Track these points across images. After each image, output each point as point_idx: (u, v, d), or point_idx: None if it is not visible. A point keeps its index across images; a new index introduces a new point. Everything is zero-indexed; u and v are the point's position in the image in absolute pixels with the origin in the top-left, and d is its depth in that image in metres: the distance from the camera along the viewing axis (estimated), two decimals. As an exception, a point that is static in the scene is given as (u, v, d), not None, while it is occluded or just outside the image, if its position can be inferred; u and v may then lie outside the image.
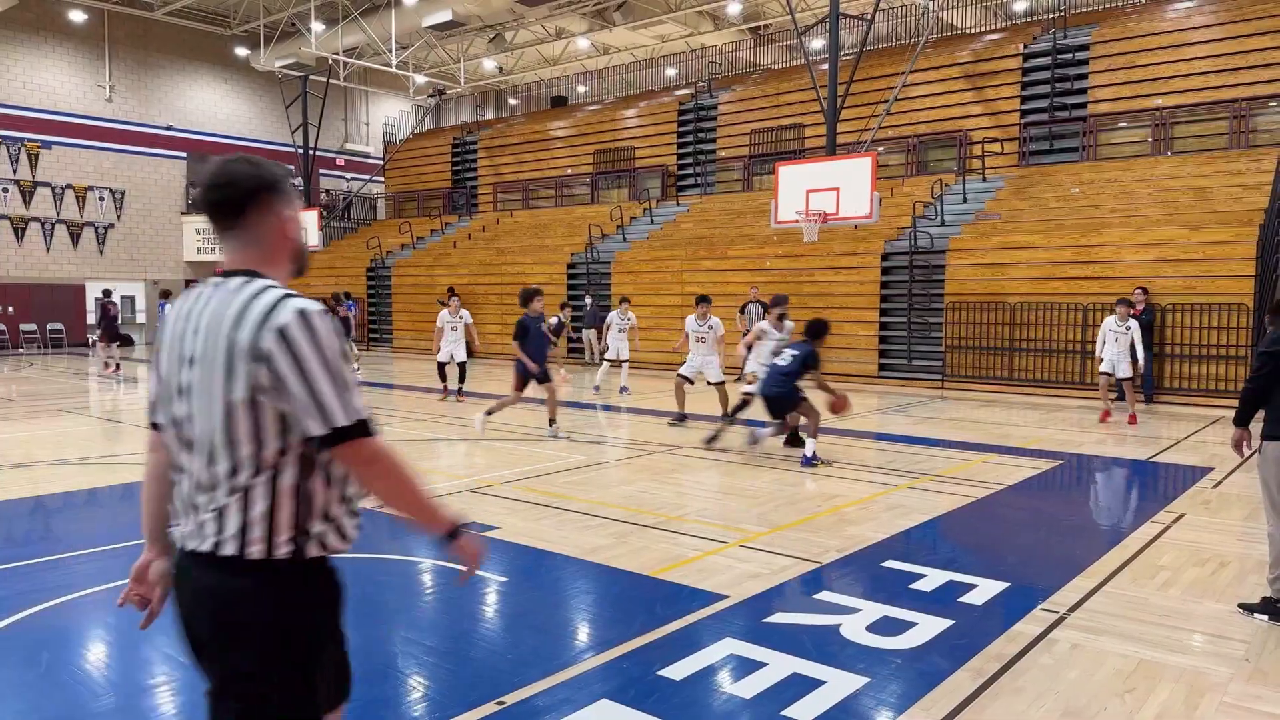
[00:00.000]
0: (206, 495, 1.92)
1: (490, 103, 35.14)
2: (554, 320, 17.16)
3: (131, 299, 28.02)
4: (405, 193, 32.70)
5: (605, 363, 16.02)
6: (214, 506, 1.91)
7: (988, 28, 23.84)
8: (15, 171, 25.89)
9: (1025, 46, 20.37)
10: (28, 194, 26.13)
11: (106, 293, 20.58)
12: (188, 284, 29.31)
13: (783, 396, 9.02)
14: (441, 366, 14.72)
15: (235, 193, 2.00)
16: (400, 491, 2.02)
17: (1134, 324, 11.89)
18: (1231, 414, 4.92)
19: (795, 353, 9.04)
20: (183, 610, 2.03)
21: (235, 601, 1.92)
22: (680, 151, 25.80)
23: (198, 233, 29.35)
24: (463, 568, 2.18)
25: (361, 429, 1.90)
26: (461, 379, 14.57)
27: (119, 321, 19.41)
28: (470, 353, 14.76)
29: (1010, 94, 20.33)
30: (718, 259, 19.78)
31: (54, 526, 6.77)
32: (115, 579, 5.23)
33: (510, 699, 3.71)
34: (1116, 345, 11.88)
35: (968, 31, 24.16)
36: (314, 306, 1.89)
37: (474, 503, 7.24)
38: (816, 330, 9.19)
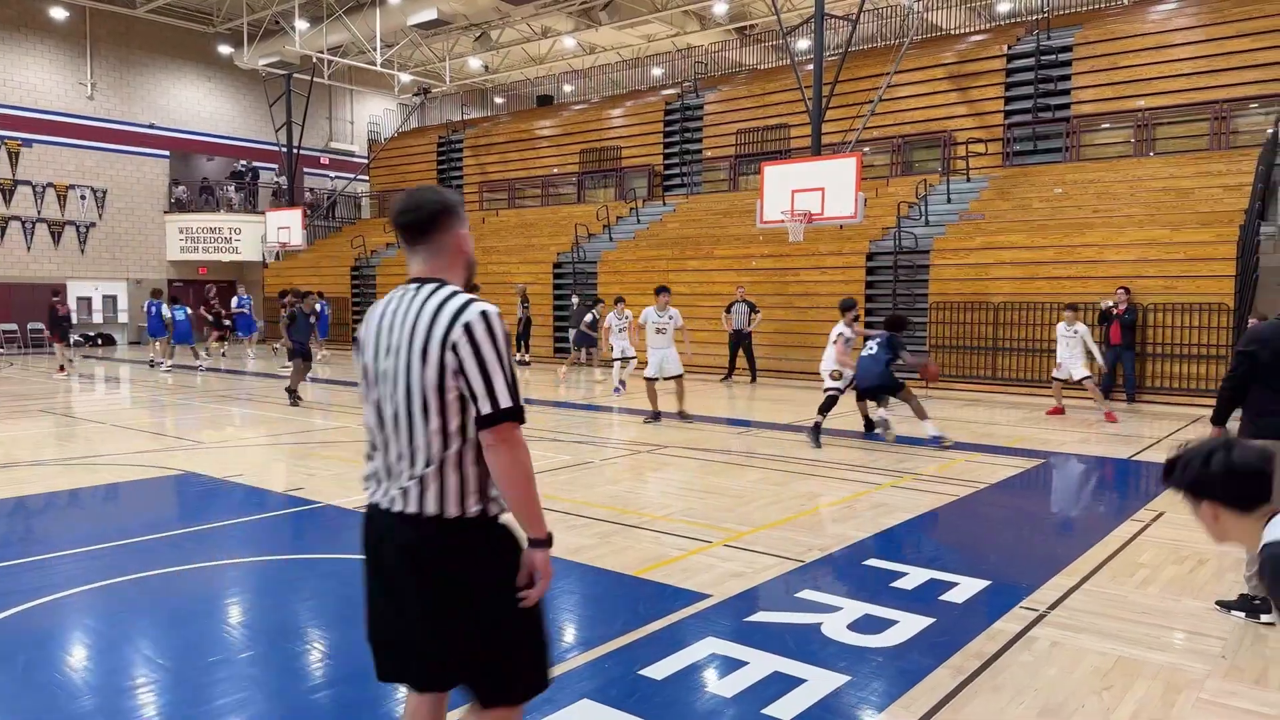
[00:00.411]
0: (407, 465, 2.33)
1: (476, 102, 35.05)
2: (589, 317, 16.93)
3: (114, 298, 27.75)
4: (390, 191, 32.57)
5: (616, 362, 15.87)
6: (414, 475, 2.31)
7: (972, 29, 23.96)
8: (-4, 169, 25.67)
9: (1009, 48, 20.48)
10: (8, 193, 25.89)
11: (55, 293, 20.66)
12: (171, 283, 29.14)
13: (883, 384, 10.15)
14: None
15: (423, 215, 2.42)
16: (521, 480, 2.32)
17: (1081, 327, 12.32)
18: (1211, 413, 4.96)
19: (879, 341, 10.18)
20: (385, 561, 2.40)
21: (438, 552, 2.31)
22: (666, 151, 25.80)
23: (180, 232, 29.18)
24: (530, 589, 2.37)
25: (513, 414, 2.28)
26: None
27: (70, 322, 19.46)
28: None
29: (994, 95, 20.43)
30: (704, 259, 19.80)
31: (35, 528, 6.70)
32: (95, 580, 5.19)
33: (491, 699, 3.70)
34: (1068, 349, 12.37)
35: (952, 32, 24.27)
36: (493, 310, 2.32)
37: (457, 503, 7.21)
38: (897, 324, 10.49)
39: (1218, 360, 13.63)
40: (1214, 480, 2.25)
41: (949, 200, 18.73)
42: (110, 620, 4.64)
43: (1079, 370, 12.33)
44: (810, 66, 17.82)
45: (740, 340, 17.02)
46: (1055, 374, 12.76)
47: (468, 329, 2.26)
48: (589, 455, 9.44)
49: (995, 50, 20.72)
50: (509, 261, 23.41)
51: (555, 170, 28.09)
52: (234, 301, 23.67)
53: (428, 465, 2.29)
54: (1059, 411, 12.79)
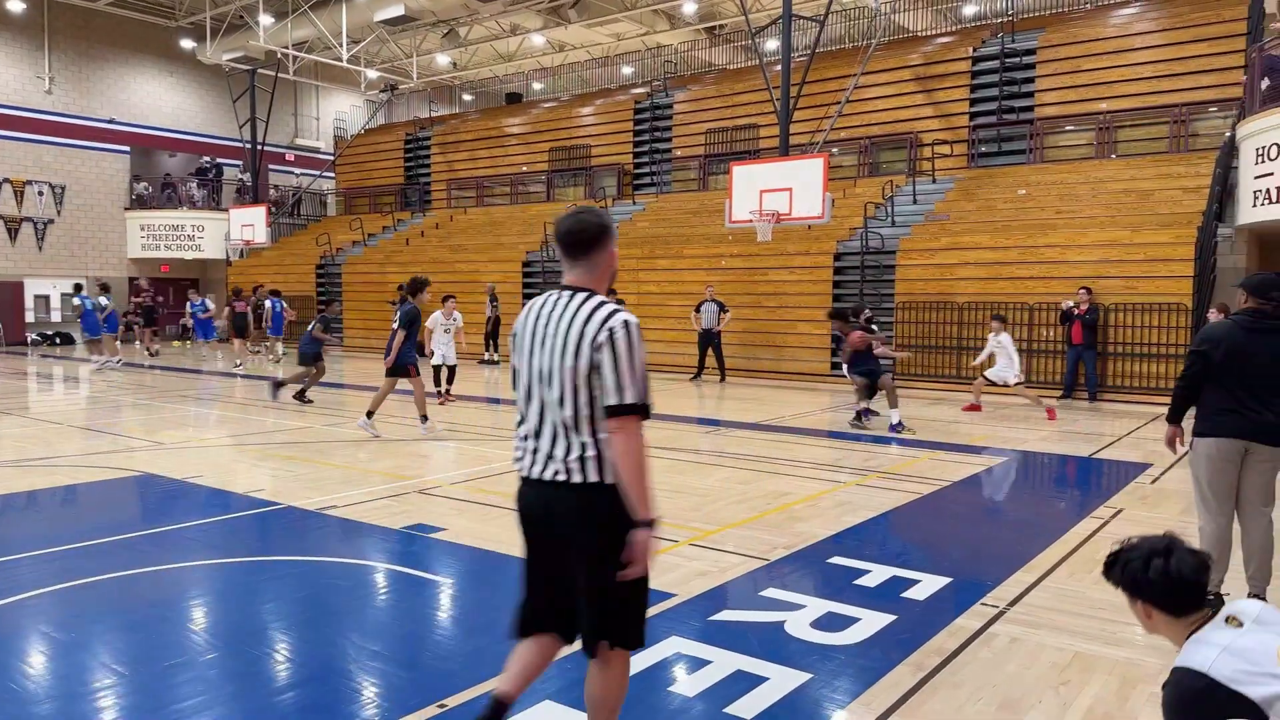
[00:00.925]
0: (562, 442, 2.78)
1: (444, 98, 34.81)
2: None
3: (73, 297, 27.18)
4: (356, 189, 32.27)
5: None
6: (570, 452, 2.77)
7: (938, 31, 24.20)
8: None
9: (974, 50, 20.72)
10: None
11: (141, 291, 20.48)
12: (142, 280, 28.64)
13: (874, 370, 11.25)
14: (436, 369, 13.96)
15: (587, 235, 2.86)
16: (635, 465, 2.72)
17: (1005, 337, 12.52)
18: (1167, 411, 5.04)
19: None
20: (543, 524, 2.87)
21: (591, 508, 2.77)
22: (636, 150, 25.80)
23: (142, 229, 28.69)
24: (632, 565, 2.78)
25: (636, 410, 2.71)
26: (450, 380, 14.04)
27: (157, 312, 19.89)
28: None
29: (960, 96, 20.67)
30: (674, 258, 19.82)
31: (-16, 531, 6.54)
32: (52, 584, 5.08)
33: (452, 701, 3.68)
34: (1000, 357, 12.53)
35: (918, 34, 24.51)
36: (634, 320, 2.77)
37: (421, 504, 7.17)
38: (838, 315, 11.93)
39: (1176, 359, 13.89)
40: (1150, 585, 2.39)
41: (915, 201, 18.91)
42: (67, 625, 4.55)
43: (1013, 377, 12.51)
44: (779, 67, 17.90)
45: (709, 339, 17.07)
46: (987, 373, 12.80)
47: (611, 334, 2.71)
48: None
49: (961, 52, 20.96)
50: (478, 260, 23.28)
51: (524, 168, 27.98)
52: (190, 305, 22.20)
53: (582, 444, 2.76)
54: (976, 408, 13.04)
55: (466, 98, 34.63)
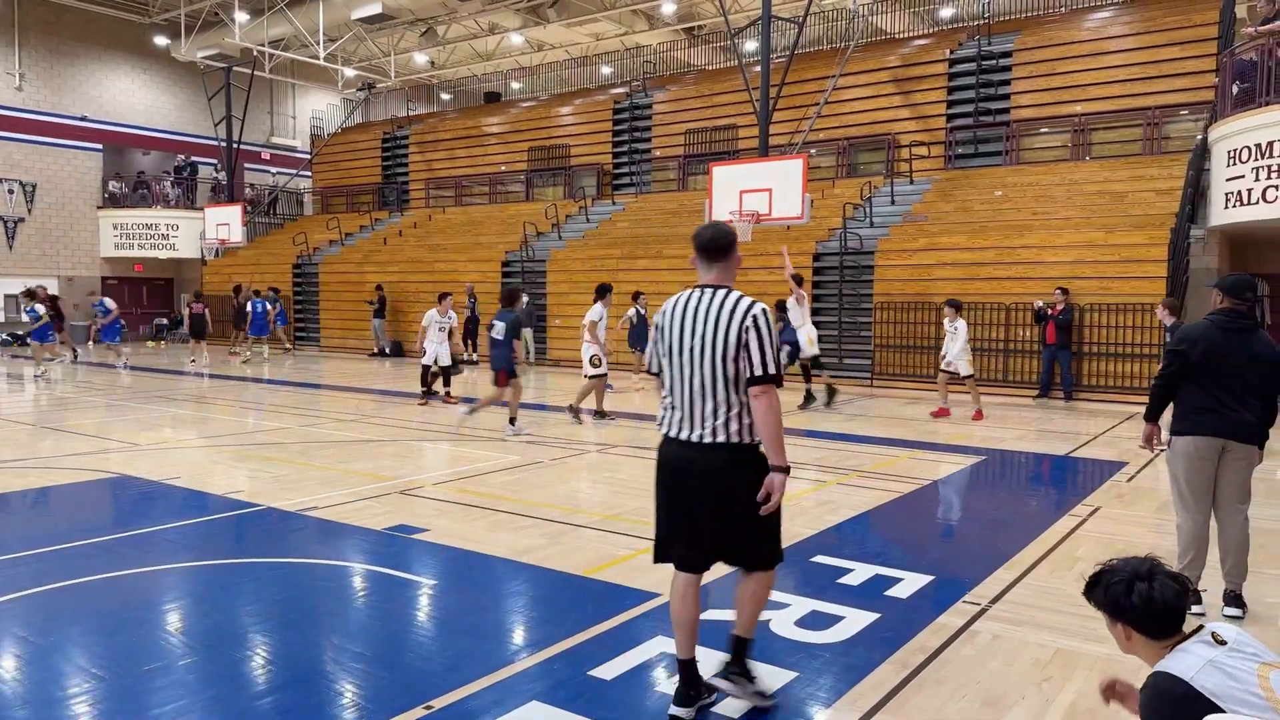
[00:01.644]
0: (713, 411, 3.44)
1: (422, 97, 34.61)
2: (632, 312, 16.08)
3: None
4: (334, 188, 32.03)
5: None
6: (719, 418, 3.43)
7: (915, 33, 24.38)
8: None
9: (951, 52, 20.89)
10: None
11: (197, 297, 21.17)
12: (105, 280, 28.29)
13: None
14: (425, 369, 13.77)
15: (724, 243, 3.59)
16: (772, 423, 3.41)
17: (960, 324, 12.18)
18: (1144, 410, 5.10)
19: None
20: (689, 478, 3.50)
21: (740, 466, 3.46)
22: (615, 150, 25.79)
23: (115, 228, 28.31)
24: (770, 498, 3.42)
25: (772, 379, 3.39)
26: (447, 381, 13.81)
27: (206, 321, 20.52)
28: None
29: (937, 98, 20.82)
30: (654, 258, 19.83)
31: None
32: (27, 587, 5.00)
33: (438, 703, 3.66)
34: (954, 344, 12.25)
35: (896, 36, 24.67)
36: (766, 307, 3.44)
37: (403, 505, 7.12)
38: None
39: (1150, 359, 14.07)
40: (1133, 609, 2.45)
41: (893, 202, 19.04)
42: (43, 629, 4.48)
43: (964, 367, 12.25)
44: (757, 68, 17.96)
45: None
46: (942, 367, 12.53)
47: (754, 319, 3.39)
48: (537, 455, 9.38)
49: (938, 54, 21.11)
50: (457, 260, 23.18)
51: (503, 168, 27.89)
52: (93, 306, 21.48)
53: (728, 411, 3.42)
54: (945, 413, 12.49)
55: (445, 97, 34.45)
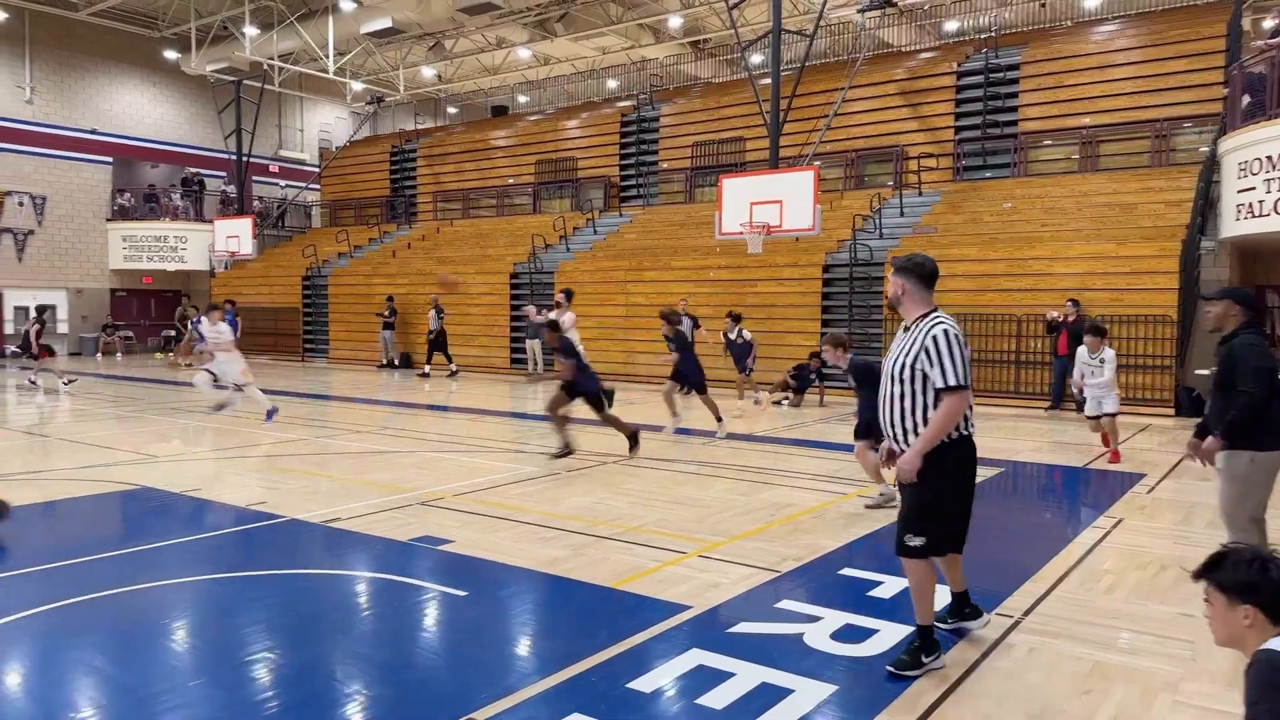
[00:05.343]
0: (909, 414, 4.09)
1: (430, 111, 34.76)
2: (688, 321, 15.58)
3: (53, 308, 26.84)
4: (342, 201, 32.12)
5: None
6: (914, 419, 4.07)
7: (921, 46, 24.48)
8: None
9: (959, 65, 20.97)
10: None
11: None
12: (114, 293, 28.38)
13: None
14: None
15: (934, 269, 4.21)
16: (942, 426, 3.96)
17: (1109, 354, 10.38)
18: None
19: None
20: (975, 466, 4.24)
21: (941, 456, 4.02)
22: (623, 163, 25.87)
23: (124, 240, 28.40)
24: (894, 472, 4.15)
25: (953, 389, 3.95)
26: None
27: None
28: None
29: (944, 111, 20.89)
30: (661, 270, 19.86)
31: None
32: (53, 600, 5.00)
33: (480, 715, 3.65)
34: (1099, 378, 10.37)
35: (903, 50, 24.77)
36: (951, 326, 4.04)
37: (425, 516, 7.12)
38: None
39: (1162, 371, 14.06)
40: (1268, 589, 2.35)
41: (902, 214, 19.07)
42: (65, 642, 4.48)
43: (1112, 403, 10.33)
44: (765, 81, 18.03)
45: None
46: (1092, 412, 10.13)
47: (934, 338, 3.98)
48: (554, 467, 9.38)
49: (945, 67, 21.19)
50: (465, 272, 23.21)
51: (511, 181, 27.97)
52: None
53: (925, 413, 4.05)
54: (1116, 458, 10.18)
55: (452, 110, 34.59)
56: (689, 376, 11.59)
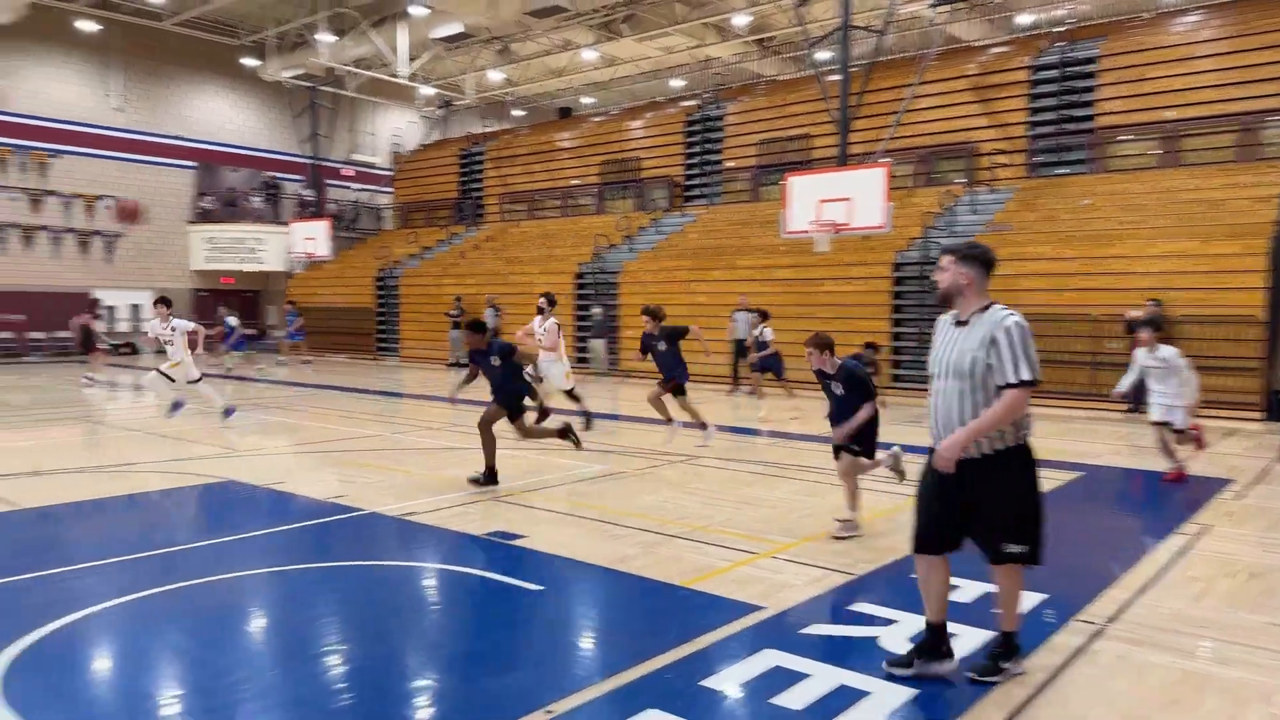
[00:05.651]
0: (972, 413, 3.84)
1: (497, 114, 35.23)
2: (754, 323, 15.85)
3: (139, 308, 27.96)
4: (413, 203, 32.79)
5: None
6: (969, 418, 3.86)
7: (994, 40, 23.95)
8: (25, 180, 26.00)
9: (1033, 59, 20.47)
10: (37, 202, 26.22)
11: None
12: (195, 293, 29.36)
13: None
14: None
15: (995, 259, 4.05)
16: (1000, 419, 3.77)
17: (1168, 352, 9.21)
18: (1258, 425, 4.93)
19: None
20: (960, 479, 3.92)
21: (1006, 462, 3.89)
22: (686, 162, 25.88)
23: (206, 242, 29.40)
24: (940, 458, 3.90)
25: (1026, 384, 3.74)
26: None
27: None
28: None
29: (1017, 106, 20.42)
30: (725, 269, 19.83)
31: (70, 536, 6.76)
32: (144, 589, 5.23)
33: (558, 707, 3.72)
34: (1168, 383, 9.37)
35: (973, 44, 24.27)
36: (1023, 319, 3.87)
37: (497, 511, 7.25)
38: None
39: (1248, 373, 13.54)
40: None
41: (974, 211, 18.71)
42: (155, 628, 4.69)
43: (1183, 417, 9.34)
44: (832, 78, 17.86)
45: (743, 351, 16.87)
46: (1160, 418, 9.00)
47: (1008, 330, 3.80)
48: (620, 465, 9.45)
49: (1018, 62, 20.71)
50: (530, 272, 23.50)
51: (575, 181, 28.20)
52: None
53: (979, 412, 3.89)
54: (1181, 478, 9.06)
55: (519, 113, 34.99)
56: (672, 372, 10.53)
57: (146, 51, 28.19)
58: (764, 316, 15.78)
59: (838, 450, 6.80)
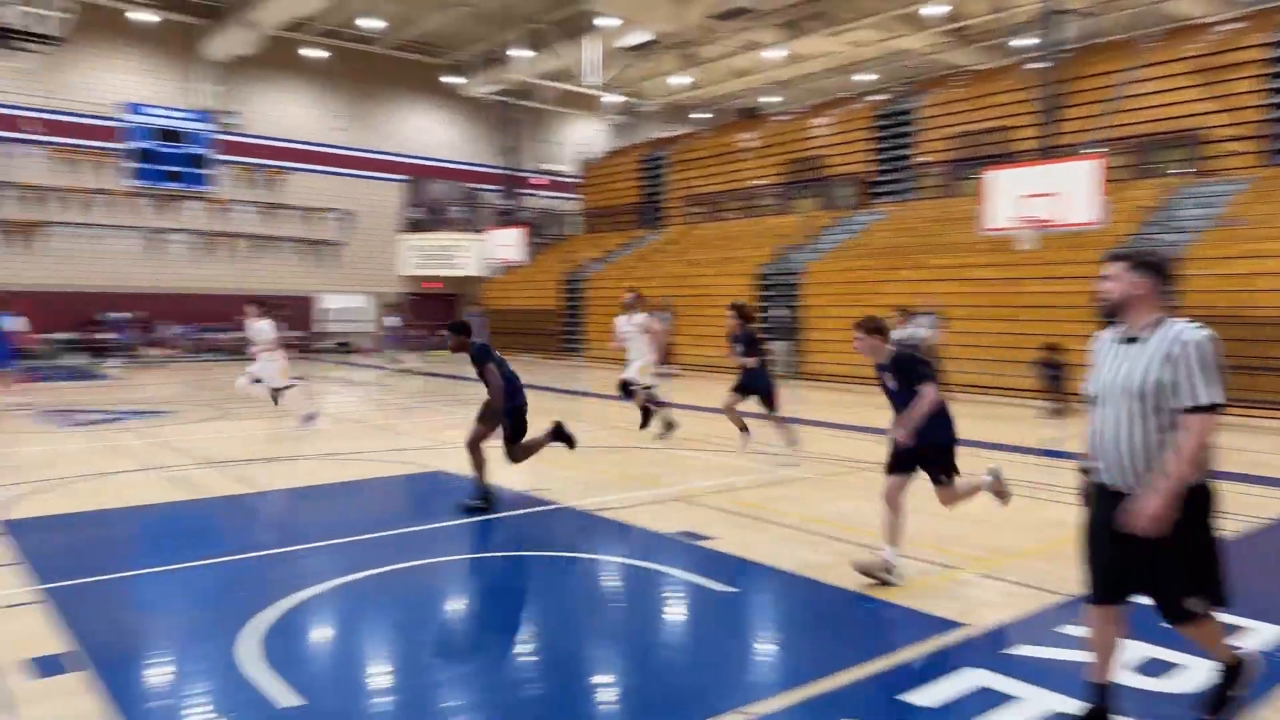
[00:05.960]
0: (1156, 444, 3.32)
1: (678, 117, 35.66)
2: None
3: (356, 310, 30.59)
4: (597, 209, 33.78)
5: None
6: (1159, 450, 3.31)
7: (1223, 18, 21.77)
8: (265, 195, 28.99)
9: (1270, 36, 18.44)
10: (270, 216, 29.11)
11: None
12: (410, 295, 31.56)
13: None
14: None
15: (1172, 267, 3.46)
16: (1196, 459, 3.21)
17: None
18: None
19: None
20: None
21: (1182, 505, 3.27)
22: (878, 158, 25.18)
23: (413, 250, 31.55)
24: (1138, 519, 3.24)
25: (1215, 409, 3.20)
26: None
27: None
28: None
29: (1251, 89, 18.46)
30: (915, 268, 19.13)
31: (312, 517, 7.45)
32: (373, 566, 5.69)
33: (755, 709, 3.74)
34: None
35: (1197, 22, 22.16)
36: (1204, 333, 3.26)
37: (687, 512, 7.36)
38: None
39: None
40: None
41: (1198, 205, 17.10)
42: (365, 610, 5.10)
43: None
44: (1035, 66, 16.84)
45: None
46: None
47: (1198, 344, 3.24)
48: (802, 471, 9.32)
49: (1253, 40, 18.73)
50: (709, 274, 23.63)
51: (758, 181, 28.09)
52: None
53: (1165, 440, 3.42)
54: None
55: (701, 115, 35.26)
56: (757, 385, 9.84)
57: (361, 75, 30.64)
58: (909, 315, 14.66)
59: (892, 463, 5.58)
